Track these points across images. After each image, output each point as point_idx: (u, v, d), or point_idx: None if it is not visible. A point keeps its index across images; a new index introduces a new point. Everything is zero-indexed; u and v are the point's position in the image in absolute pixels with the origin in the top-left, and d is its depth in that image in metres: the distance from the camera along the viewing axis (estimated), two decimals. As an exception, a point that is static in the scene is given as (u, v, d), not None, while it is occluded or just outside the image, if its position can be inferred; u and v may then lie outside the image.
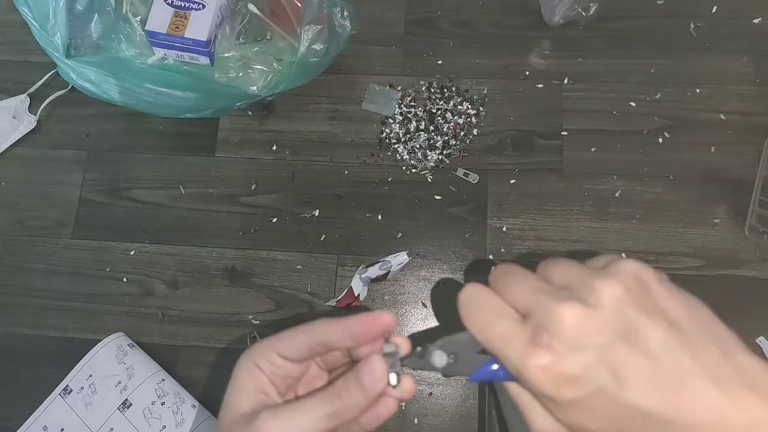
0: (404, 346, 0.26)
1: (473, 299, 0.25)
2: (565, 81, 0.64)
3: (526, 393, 0.24)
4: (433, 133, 0.63)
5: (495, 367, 0.24)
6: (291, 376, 0.28)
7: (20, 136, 0.66)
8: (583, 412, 0.21)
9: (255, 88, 0.58)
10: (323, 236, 0.61)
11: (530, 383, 0.22)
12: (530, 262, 0.59)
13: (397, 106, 0.64)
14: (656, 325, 0.21)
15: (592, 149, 0.62)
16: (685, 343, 0.21)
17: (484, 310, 0.24)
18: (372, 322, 0.26)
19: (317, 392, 0.26)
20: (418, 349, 0.26)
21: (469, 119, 0.63)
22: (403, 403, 0.56)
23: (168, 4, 0.58)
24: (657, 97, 0.63)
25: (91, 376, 0.55)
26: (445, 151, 0.62)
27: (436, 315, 0.58)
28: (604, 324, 0.22)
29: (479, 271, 0.59)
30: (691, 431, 0.20)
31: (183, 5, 0.58)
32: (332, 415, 0.25)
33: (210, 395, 0.56)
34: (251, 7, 0.59)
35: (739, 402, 0.20)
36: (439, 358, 0.25)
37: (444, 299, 0.59)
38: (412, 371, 0.26)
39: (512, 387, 0.25)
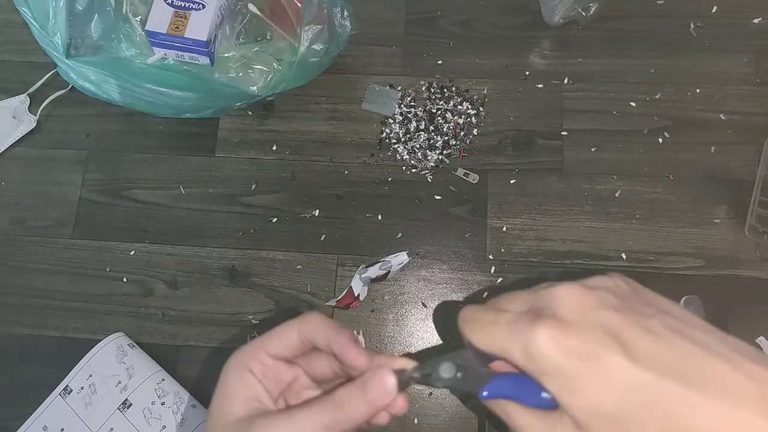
0: (410, 366, 0.26)
1: (472, 314, 0.25)
2: (565, 81, 0.64)
3: (519, 408, 0.24)
4: (433, 133, 0.63)
5: (507, 387, 0.24)
6: (282, 380, 0.28)
7: (20, 136, 0.66)
8: (594, 385, 0.21)
9: (255, 88, 0.58)
10: (323, 236, 0.61)
11: (539, 360, 0.22)
12: (530, 262, 0.59)
13: (397, 106, 0.64)
14: (651, 309, 0.23)
15: (592, 149, 0.62)
16: (681, 327, 0.22)
17: (485, 318, 0.25)
18: (348, 353, 0.26)
19: (315, 401, 0.26)
20: (426, 363, 0.26)
21: (469, 119, 0.63)
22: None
23: (168, 4, 0.58)
24: (657, 97, 0.63)
25: (91, 376, 0.55)
26: (445, 151, 0.62)
27: (435, 315, 0.58)
28: (604, 301, 0.23)
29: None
30: (702, 404, 0.20)
31: (183, 5, 0.58)
32: (331, 426, 0.25)
33: (210, 395, 0.56)
34: (251, 7, 0.59)
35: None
36: (447, 369, 0.25)
37: (444, 299, 0.59)
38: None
39: (505, 406, 0.25)
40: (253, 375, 0.27)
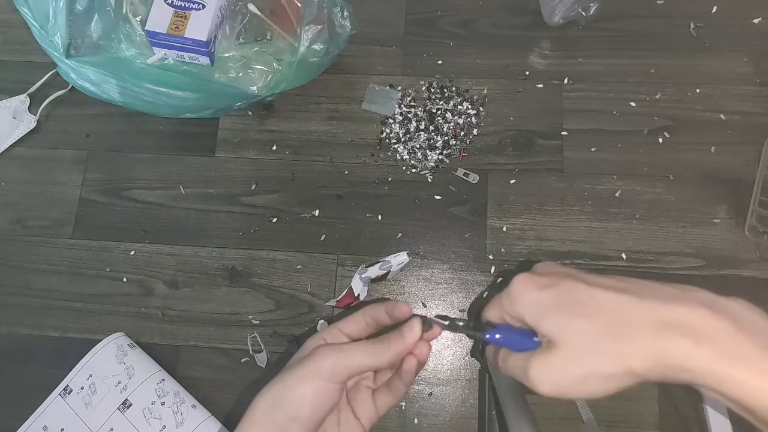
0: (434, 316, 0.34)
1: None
2: (565, 81, 0.64)
3: (512, 353, 0.31)
4: (433, 133, 0.63)
5: (497, 336, 0.32)
6: None
7: (20, 136, 0.66)
8: (557, 304, 0.29)
9: (255, 88, 0.58)
10: (323, 236, 0.61)
11: (516, 299, 0.30)
12: (530, 262, 0.59)
13: (397, 106, 0.64)
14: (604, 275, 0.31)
15: (592, 149, 0.62)
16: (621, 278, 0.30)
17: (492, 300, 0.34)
18: (399, 309, 0.35)
19: (365, 340, 0.33)
20: (447, 317, 0.33)
21: (469, 119, 0.63)
22: (403, 403, 0.56)
23: (168, 4, 0.58)
24: (657, 97, 0.63)
25: (91, 376, 0.55)
26: (445, 151, 0.62)
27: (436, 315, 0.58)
28: (568, 266, 0.32)
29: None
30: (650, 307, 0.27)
31: (183, 5, 0.58)
32: (374, 353, 0.31)
33: (210, 395, 0.56)
34: (251, 7, 0.59)
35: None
36: (461, 322, 0.33)
37: (444, 299, 0.59)
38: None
39: (502, 355, 0.32)
40: (324, 341, 0.34)
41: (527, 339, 0.30)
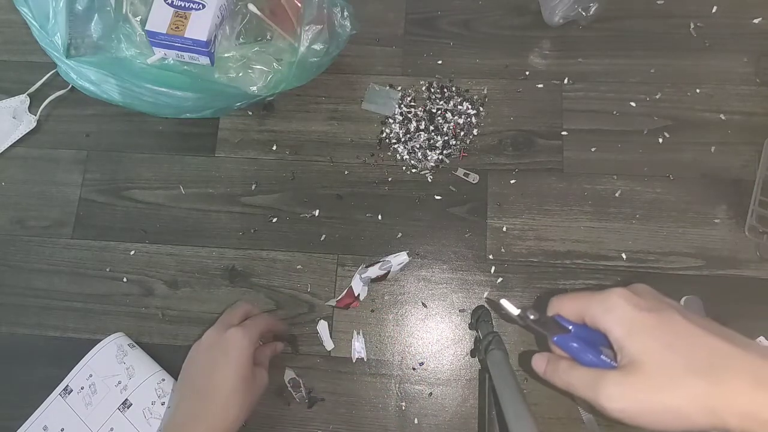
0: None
1: (559, 297, 0.35)
2: (565, 81, 0.64)
3: (576, 367, 0.31)
4: (433, 133, 0.63)
5: (574, 344, 0.32)
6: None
7: (20, 136, 0.66)
8: (654, 330, 0.29)
9: (255, 88, 0.58)
10: (323, 236, 0.61)
11: (613, 311, 0.30)
12: (530, 262, 0.59)
13: (397, 106, 0.64)
14: (704, 319, 0.31)
15: (592, 149, 0.62)
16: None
17: (568, 296, 0.34)
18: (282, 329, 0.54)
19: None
20: (519, 311, 0.34)
21: (469, 119, 0.63)
22: (403, 403, 0.56)
23: (168, 4, 0.58)
24: (657, 97, 0.63)
25: (91, 376, 0.55)
26: (445, 151, 0.62)
27: (436, 315, 0.59)
28: (667, 298, 0.32)
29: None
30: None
31: (183, 5, 0.58)
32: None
33: (210, 395, 0.56)
34: (251, 7, 0.59)
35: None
36: (533, 315, 0.33)
37: (444, 299, 0.59)
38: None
39: (564, 369, 0.32)
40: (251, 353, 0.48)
41: (597, 353, 0.30)
